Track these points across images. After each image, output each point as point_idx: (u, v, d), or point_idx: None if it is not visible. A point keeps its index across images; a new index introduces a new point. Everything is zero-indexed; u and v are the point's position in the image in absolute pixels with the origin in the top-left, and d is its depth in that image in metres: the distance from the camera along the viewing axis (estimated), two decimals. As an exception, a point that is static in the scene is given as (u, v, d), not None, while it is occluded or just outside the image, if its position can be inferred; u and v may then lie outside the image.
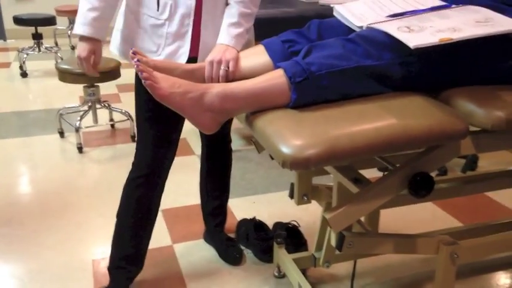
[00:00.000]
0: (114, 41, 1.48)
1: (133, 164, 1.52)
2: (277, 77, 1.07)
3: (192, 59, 1.42)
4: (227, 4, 1.43)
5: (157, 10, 1.38)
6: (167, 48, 1.40)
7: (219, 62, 1.30)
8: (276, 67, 1.12)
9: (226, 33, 1.37)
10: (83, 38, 1.38)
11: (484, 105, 1.07)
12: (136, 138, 1.51)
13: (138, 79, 1.44)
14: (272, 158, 1.27)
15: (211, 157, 1.79)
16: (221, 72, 1.29)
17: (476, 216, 2.15)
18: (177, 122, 1.48)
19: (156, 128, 1.46)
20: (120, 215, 1.56)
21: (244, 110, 1.12)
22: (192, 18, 1.39)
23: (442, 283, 1.28)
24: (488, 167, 2.60)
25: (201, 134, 1.77)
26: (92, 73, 1.42)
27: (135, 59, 1.06)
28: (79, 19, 1.36)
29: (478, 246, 1.32)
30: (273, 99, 1.08)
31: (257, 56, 1.31)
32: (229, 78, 1.28)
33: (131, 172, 1.52)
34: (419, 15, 1.14)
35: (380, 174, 1.18)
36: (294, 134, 0.98)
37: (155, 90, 1.05)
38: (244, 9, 1.39)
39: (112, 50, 1.49)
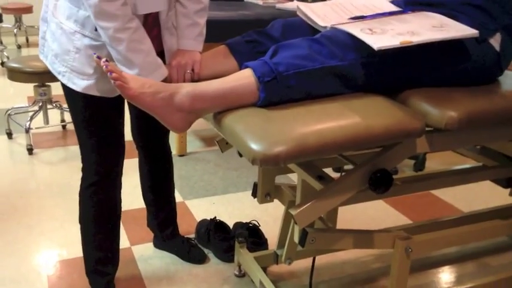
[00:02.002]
0: (46, 54, 1.36)
1: (82, 169, 1.46)
2: (246, 77, 1.09)
3: None
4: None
5: (95, 30, 1.22)
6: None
7: (184, 66, 1.30)
8: (244, 67, 1.14)
9: (185, 36, 1.35)
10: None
11: (438, 106, 1.15)
12: (78, 145, 1.43)
13: (67, 89, 1.33)
14: (241, 155, 1.29)
15: (151, 167, 1.72)
16: (186, 75, 1.30)
17: (426, 213, 2.27)
18: (116, 126, 1.41)
19: (96, 134, 1.38)
20: (81, 221, 1.52)
21: (214, 109, 1.13)
22: None
23: (398, 276, 1.34)
24: (435, 167, 2.75)
25: (136, 143, 1.68)
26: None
27: (104, 59, 1.05)
28: (145, 70, 1.18)
29: (430, 241, 1.40)
30: (242, 98, 1.10)
31: (222, 56, 1.33)
32: (194, 80, 1.29)
33: (82, 179, 1.47)
34: (380, 19, 1.20)
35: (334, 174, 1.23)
36: (263, 132, 1.01)
37: (125, 90, 1.05)
38: (196, 6, 1.35)
39: (43, 59, 1.37)
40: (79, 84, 1.30)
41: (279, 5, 3.08)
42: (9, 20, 5.46)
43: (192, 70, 1.32)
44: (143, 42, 1.20)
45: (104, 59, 1.05)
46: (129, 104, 1.45)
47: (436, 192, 2.47)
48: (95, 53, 1.20)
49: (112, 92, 1.31)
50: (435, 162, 2.79)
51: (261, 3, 3.26)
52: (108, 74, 1.03)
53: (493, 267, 1.88)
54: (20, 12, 5.24)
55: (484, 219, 1.68)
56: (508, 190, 2.14)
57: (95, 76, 1.28)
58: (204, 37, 1.39)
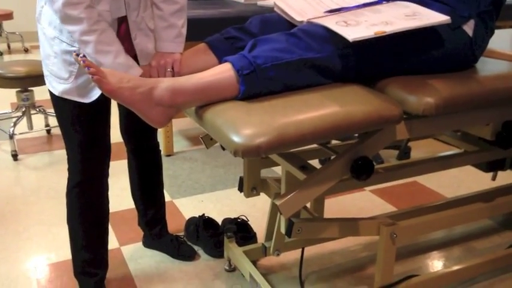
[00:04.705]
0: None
1: (68, 170, 1.47)
2: (225, 71, 1.11)
3: None
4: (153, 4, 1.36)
5: (71, 36, 1.24)
6: (80, 77, 1.30)
7: (163, 65, 1.31)
8: (223, 61, 1.15)
9: (162, 39, 1.35)
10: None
11: (415, 93, 1.17)
12: (64, 145, 1.44)
13: (50, 91, 1.36)
14: (223, 149, 1.30)
15: (139, 163, 1.71)
16: (167, 74, 1.30)
17: (412, 202, 2.30)
18: (101, 128, 1.42)
19: (80, 136, 1.38)
20: (69, 221, 1.52)
21: (194, 104, 1.14)
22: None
23: (384, 262, 1.37)
24: (420, 156, 2.79)
25: (124, 140, 1.69)
26: None
27: (81, 55, 1.06)
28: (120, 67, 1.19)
29: (414, 226, 1.43)
30: (222, 92, 1.11)
31: (202, 54, 1.34)
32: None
33: (68, 180, 1.48)
34: (354, 11, 1.23)
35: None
36: (244, 124, 1.02)
37: (103, 85, 1.05)
38: (171, 7, 1.33)
39: None
40: (57, 88, 1.34)
41: (260, 2, 3.10)
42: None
43: (172, 69, 1.33)
44: (111, 44, 1.21)
45: (81, 55, 1.06)
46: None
47: (422, 181, 2.51)
48: (75, 51, 1.21)
49: (86, 97, 1.33)
50: (420, 152, 2.83)
51: (242, 0, 3.27)
52: (86, 69, 1.03)
53: (479, 251, 1.92)
54: (2, 18, 5.19)
55: (467, 203, 1.72)
56: (491, 176, 2.19)
57: (70, 80, 1.31)
58: (183, 38, 1.38)
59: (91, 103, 1.33)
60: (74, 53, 1.11)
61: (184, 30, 1.38)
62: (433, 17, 1.11)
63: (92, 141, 1.41)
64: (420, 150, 2.86)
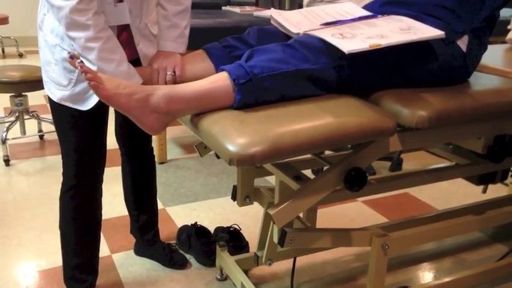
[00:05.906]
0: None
1: (62, 174, 1.48)
2: (222, 79, 1.12)
3: None
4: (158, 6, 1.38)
5: (74, 42, 1.22)
6: (80, 84, 1.31)
7: (165, 69, 1.32)
8: (219, 70, 1.16)
9: (165, 38, 1.37)
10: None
11: (408, 106, 1.19)
12: (60, 148, 1.45)
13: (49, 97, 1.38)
14: (218, 157, 1.31)
15: (133, 167, 1.72)
16: (168, 77, 1.31)
17: (403, 213, 2.31)
18: (98, 132, 1.43)
19: (76, 140, 1.39)
20: (61, 226, 1.52)
21: (189, 112, 1.15)
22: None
23: (375, 273, 1.38)
24: (412, 168, 2.81)
25: (120, 148, 1.70)
26: None
27: (79, 60, 1.06)
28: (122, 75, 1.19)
29: (406, 237, 1.44)
30: (218, 101, 1.12)
31: (199, 60, 1.35)
32: (175, 82, 1.31)
33: (62, 183, 1.48)
34: (350, 24, 1.24)
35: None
36: (239, 133, 1.03)
37: (100, 91, 1.06)
38: (176, 8, 1.36)
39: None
40: (55, 94, 1.36)
41: (256, 13, 3.13)
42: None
43: (174, 73, 1.33)
44: (115, 52, 1.22)
45: (79, 60, 1.06)
46: None
47: (413, 193, 2.52)
48: (69, 52, 1.21)
49: (84, 104, 1.34)
50: (412, 164, 2.85)
51: (238, 11, 3.30)
52: (83, 74, 1.04)
53: (469, 263, 1.93)
54: (-5, 23, 5.18)
55: (458, 216, 1.73)
56: (481, 189, 2.21)
57: (69, 88, 1.33)
58: (186, 39, 1.40)
59: (88, 110, 1.34)
60: (69, 55, 1.09)
61: (187, 32, 1.40)
62: (428, 32, 1.13)
63: (88, 146, 1.42)
64: (412, 162, 2.88)
